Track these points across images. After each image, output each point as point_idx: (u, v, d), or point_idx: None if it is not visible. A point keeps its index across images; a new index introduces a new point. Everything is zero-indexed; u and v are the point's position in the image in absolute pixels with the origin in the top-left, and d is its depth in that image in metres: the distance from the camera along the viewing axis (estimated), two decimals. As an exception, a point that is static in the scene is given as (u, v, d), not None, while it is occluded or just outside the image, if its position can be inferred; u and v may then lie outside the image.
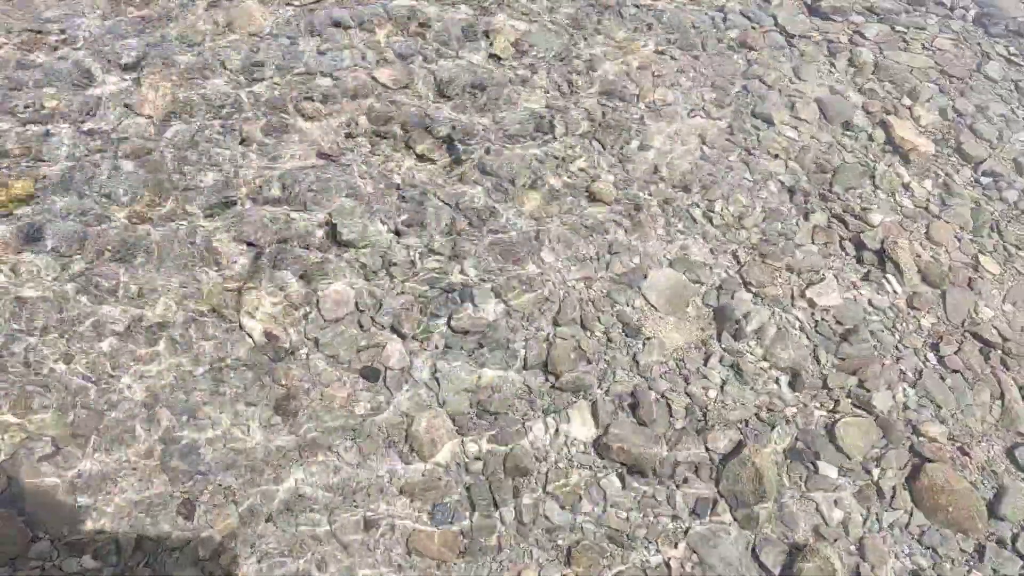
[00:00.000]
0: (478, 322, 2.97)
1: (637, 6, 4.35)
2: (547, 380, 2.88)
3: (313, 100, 3.56)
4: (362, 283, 3.02)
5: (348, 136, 3.48)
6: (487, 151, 3.49)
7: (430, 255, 3.14)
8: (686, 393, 2.89)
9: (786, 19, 4.39)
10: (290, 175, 3.28)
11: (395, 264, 3.09)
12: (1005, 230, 3.57)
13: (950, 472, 2.76)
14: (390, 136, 3.50)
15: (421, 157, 3.45)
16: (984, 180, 3.77)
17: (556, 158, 3.54)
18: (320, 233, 3.13)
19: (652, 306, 3.13)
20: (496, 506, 2.57)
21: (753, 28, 4.32)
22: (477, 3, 4.16)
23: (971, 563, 2.63)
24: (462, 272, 3.10)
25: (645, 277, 3.20)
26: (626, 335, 3.03)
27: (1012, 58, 4.45)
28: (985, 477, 2.80)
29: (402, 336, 2.90)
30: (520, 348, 2.94)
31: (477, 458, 2.68)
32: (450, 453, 2.68)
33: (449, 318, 2.97)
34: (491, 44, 3.95)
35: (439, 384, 2.83)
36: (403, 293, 3.01)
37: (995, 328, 3.20)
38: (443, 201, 3.30)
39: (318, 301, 2.94)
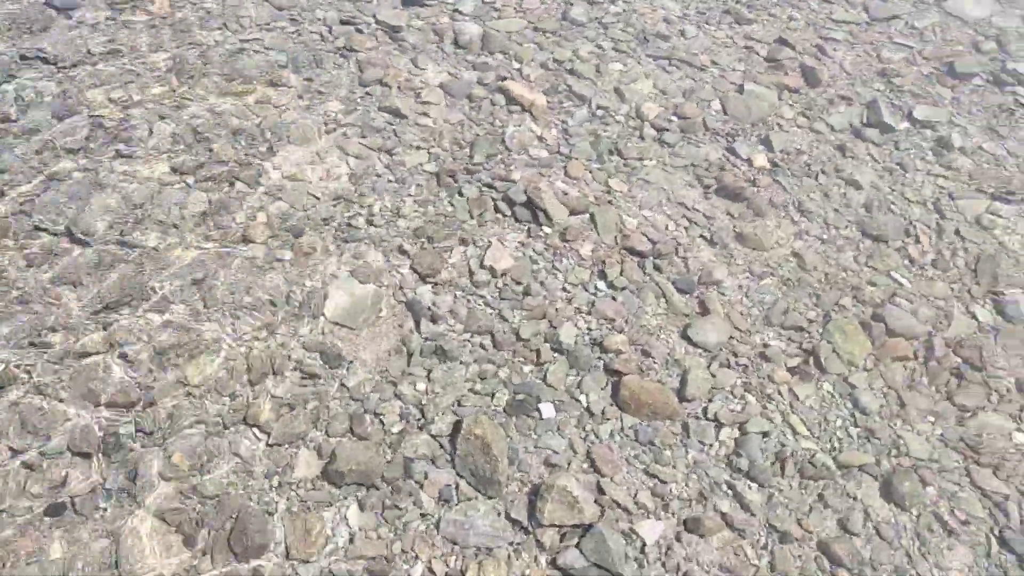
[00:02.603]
0: (162, 413, 2.77)
1: (244, 40, 4.27)
2: (258, 440, 2.77)
3: None
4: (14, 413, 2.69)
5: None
6: (111, 226, 3.24)
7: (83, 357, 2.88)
8: (396, 396, 2.93)
9: (387, 15, 4.54)
10: None
11: (51, 372, 2.78)
12: (624, 149, 4.01)
13: (640, 380, 3.07)
14: None
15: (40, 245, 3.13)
16: (599, 112, 4.20)
17: (195, 214, 3.39)
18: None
19: (343, 327, 3.12)
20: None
21: (358, 32, 4.42)
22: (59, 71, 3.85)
23: (683, 442, 2.96)
24: (125, 359, 2.87)
25: (326, 299, 3.18)
26: (328, 365, 3.00)
27: None
28: (669, 368, 3.15)
29: (84, 455, 2.62)
30: (217, 417, 2.79)
31: (204, 552, 2.50)
32: (174, 561, 2.47)
33: (132, 420, 2.74)
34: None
35: (139, 488, 2.60)
36: (70, 419, 2.71)
37: (643, 235, 3.60)
38: (76, 287, 3.03)
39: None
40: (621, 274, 3.44)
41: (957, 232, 3.75)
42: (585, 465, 2.83)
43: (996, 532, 2.79)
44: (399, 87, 4.13)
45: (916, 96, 4.50)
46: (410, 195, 3.64)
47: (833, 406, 3.10)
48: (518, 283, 3.36)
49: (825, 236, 3.71)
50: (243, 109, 3.87)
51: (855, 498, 2.84)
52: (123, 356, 2.88)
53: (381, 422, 2.87)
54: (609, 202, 3.73)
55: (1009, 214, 3.85)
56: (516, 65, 4.39)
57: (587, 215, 3.64)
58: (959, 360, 3.26)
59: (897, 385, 3.17)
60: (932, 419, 3.09)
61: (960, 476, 2.92)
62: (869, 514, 2.80)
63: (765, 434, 2.98)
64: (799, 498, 2.82)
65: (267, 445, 2.77)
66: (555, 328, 3.20)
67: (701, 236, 3.69)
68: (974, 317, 3.43)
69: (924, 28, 5.04)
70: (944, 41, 4.95)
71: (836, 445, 2.98)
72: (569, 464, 2.83)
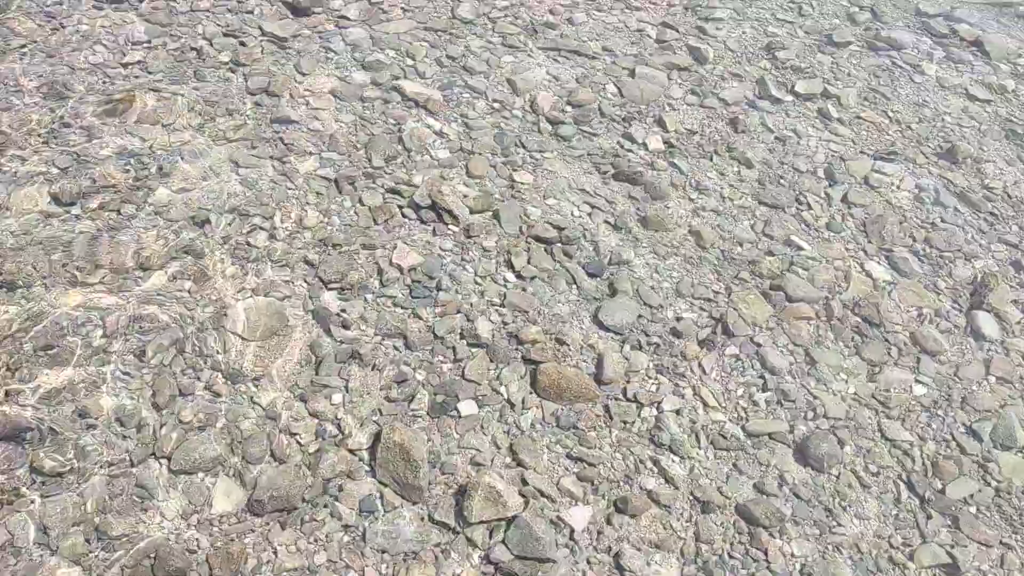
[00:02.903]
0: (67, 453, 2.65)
1: (123, 61, 4.10)
2: (161, 466, 2.68)
3: None
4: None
5: None
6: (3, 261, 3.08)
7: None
8: (310, 414, 2.87)
9: (272, 27, 4.43)
10: None
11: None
12: (527, 142, 4.02)
13: (557, 366, 3.08)
14: None
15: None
16: (495, 105, 4.19)
17: (84, 234, 3.25)
18: None
19: (247, 341, 3.03)
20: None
21: (242, 45, 4.29)
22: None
23: (605, 422, 2.98)
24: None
25: (227, 318, 3.09)
26: (233, 383, 2.91)
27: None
28: (584, 354, 3.18)
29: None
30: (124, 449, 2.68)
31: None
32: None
33: (29, 461, 2.60)
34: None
35: (47, 535, 2.47)
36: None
37: (548, 224, 3.61)
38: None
39: None
40: (529, 263, 3.45)
41: (844, 199, 3.91)
42: (508, 459, 2.83)
43: (904, 478, 2.92)
44: (289, 95, 4.04)
45: (798, 71, 4.66)
46: (309, 204, 3.56)
47: (736, 372, 3.18)
48: (430, 277, 3.33)
49: (721, 208, 3.80)
50: (126, 129, 3.71)
51: (768, 465, 2.92)
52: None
53: (297, 441, 2.80)
54: (513, 196, 3.72)
55: (893, 172, 4.04)
56: (409, 63, 4.35)
57: (490, 212, 3.63)
58: (858, 319, 3.39)
59: (804, 342, 3.27)
60: (844, 376, 3.20)
61: (873, 432, 3.04)
62: (785, 478, 2.89)
63: (678, 411, 3.03)
64: (716, 468, 2.88)
65: (171, 471, 2.67)
66: (471, 322, 3.19)
67: (606, 222, 3.71)
68: (869, 275, 3.57)
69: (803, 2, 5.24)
70: (822, 15, 5.15)
71: (742, 415, 3.05)
72: (493, 460, 2.82)
